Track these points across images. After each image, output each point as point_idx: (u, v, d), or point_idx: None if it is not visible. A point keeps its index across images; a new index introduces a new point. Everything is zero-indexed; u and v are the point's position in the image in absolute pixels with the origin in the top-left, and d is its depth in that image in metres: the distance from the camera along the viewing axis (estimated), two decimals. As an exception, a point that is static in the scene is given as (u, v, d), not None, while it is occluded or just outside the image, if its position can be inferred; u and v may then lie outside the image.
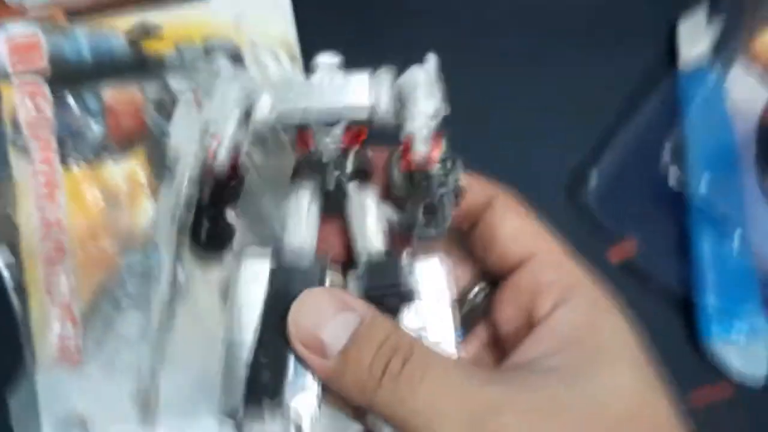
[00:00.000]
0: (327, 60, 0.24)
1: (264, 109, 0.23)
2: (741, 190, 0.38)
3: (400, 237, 0.24)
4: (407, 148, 0.22)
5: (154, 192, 0.39)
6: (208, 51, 0.41)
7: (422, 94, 0.22)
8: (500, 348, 0.25)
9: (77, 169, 0.39)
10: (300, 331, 0.20)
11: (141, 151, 0.39)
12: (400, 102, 0.23)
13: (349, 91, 0.23)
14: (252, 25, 0.41)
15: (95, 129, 0.40)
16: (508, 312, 0.24)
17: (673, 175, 0.39)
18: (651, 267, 0.38)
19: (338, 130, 0.23)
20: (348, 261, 0.25)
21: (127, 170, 0.39)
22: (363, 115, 0.23)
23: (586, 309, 0.22)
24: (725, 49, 0.41)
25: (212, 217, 0.25)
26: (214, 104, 0.23)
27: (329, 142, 0.23)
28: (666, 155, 0.38)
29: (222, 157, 0.23)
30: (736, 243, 0.38)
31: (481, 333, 0.26)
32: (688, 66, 0.41)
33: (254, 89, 0.23)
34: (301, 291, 0.21)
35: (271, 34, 0.41)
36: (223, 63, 0.24)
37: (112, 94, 0.40)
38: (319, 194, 0.24)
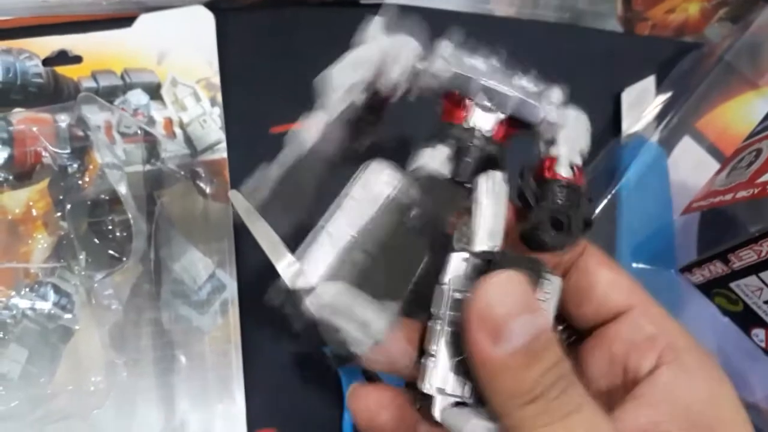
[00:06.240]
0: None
1: (446, 51, 0.23)
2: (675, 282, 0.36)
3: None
4: (549, 163, 0.22)
5: (49, 225, 0.37)
6: (125, 81, 0.39)
7: (578, 129, 0.23)
8: None
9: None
10: (484, 309, 0.19)
11: (42, 182, 0.37)
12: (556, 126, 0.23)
13: (546, 102, 0.23)
14: (175, 61, 0.39)
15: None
16: (599, 365, 0.23)
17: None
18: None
19: (495, 120, 0.23)
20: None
21: (23, 200, 0.37)
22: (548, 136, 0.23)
23: (701, 376, 0.21)
24: (672, 122, 0.39)
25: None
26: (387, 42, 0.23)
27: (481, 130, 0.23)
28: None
29: (395, 77, 0.23)
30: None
31: None
32: (629, 135, 0.39)
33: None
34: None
35: (193, 74, 0.39)
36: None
37: (23, 119, 0.38)
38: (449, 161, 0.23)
